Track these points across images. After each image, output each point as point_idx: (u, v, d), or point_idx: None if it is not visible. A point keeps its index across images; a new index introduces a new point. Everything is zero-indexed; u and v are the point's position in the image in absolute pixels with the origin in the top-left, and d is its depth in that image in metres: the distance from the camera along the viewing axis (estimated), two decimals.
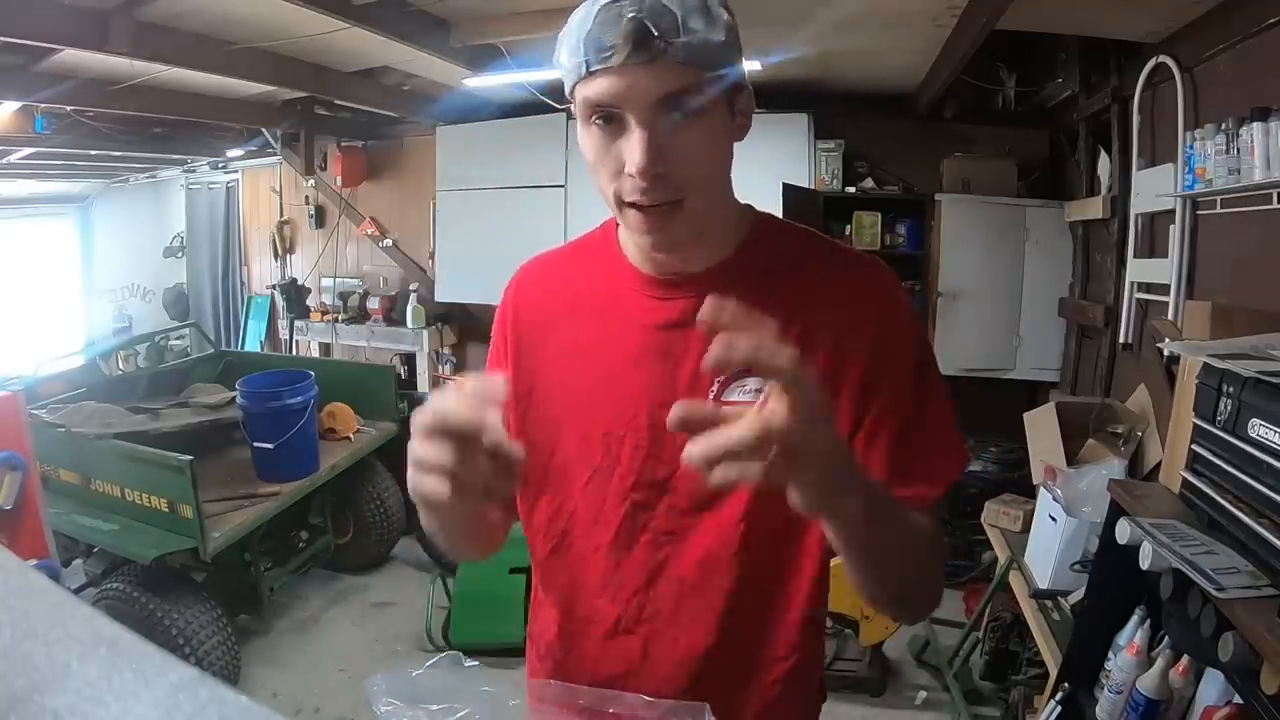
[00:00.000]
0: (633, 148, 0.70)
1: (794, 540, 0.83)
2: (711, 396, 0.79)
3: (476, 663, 0.73)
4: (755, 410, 0.57)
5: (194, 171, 6.26)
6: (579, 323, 0.86)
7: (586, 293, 0.87)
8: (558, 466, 0.86)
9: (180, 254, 6.50)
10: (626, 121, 0.71)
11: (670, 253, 0.80)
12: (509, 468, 0.62)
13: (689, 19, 0.68)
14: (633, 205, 0.74)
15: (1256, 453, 1.30)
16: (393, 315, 5.13)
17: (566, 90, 0.75)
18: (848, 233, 4.00)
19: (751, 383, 0.77)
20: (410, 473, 0.64)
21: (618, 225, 0.86)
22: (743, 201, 0.86)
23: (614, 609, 0.85)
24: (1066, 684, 1.73)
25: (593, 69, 0.69)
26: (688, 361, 0.80)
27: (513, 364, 0.89)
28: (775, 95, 3.90)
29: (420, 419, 0.61)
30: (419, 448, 0.62)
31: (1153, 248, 2.74)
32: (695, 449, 0.56)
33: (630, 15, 0.67)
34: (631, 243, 0.84)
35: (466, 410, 0.60)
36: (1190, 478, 1.53)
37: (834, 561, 0.81)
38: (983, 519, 2.81)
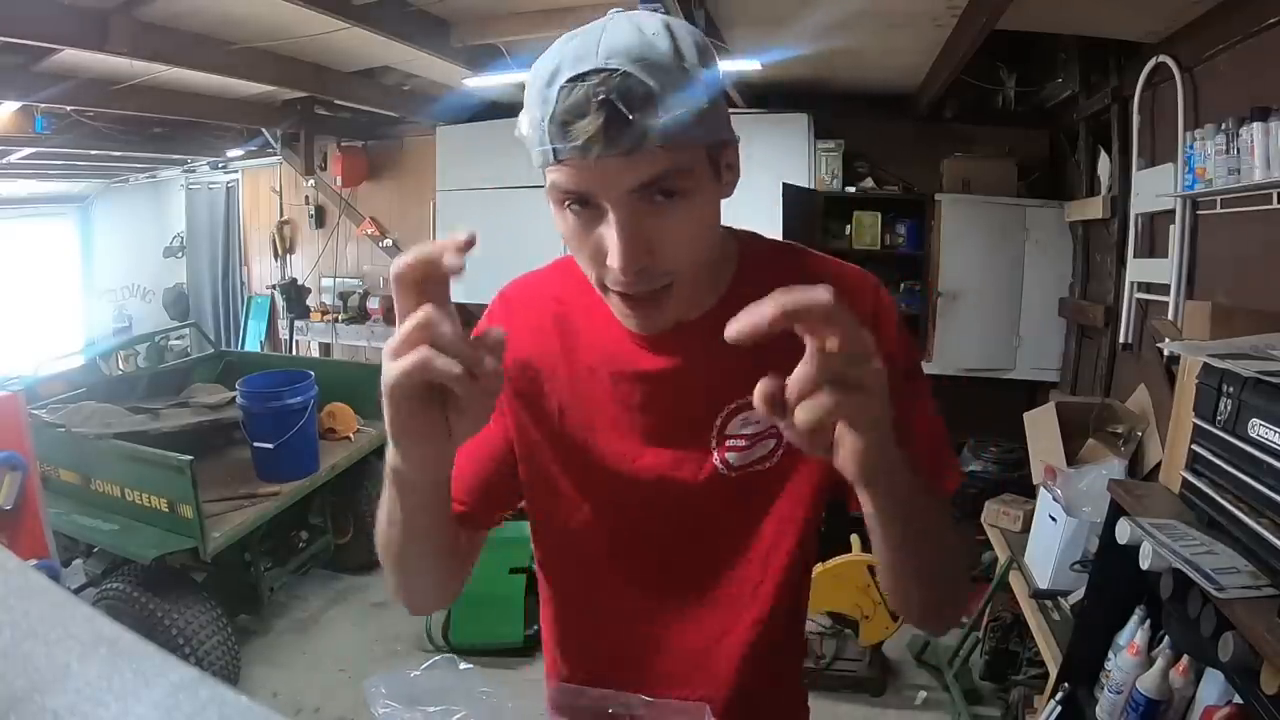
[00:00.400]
0: (612, 241, 0.64)
1: (774, 549, 0.84)
2: (714, 435, 0.79)
3: (471, 665, 0.72)
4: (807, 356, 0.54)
5: (194, 171, 6.26)
6: (573, 359, 0.82)
7: (580, 329, 0.83)
8: (558, 493, 0.86)
9: (180, 254, 6.50)
10: (603, 208, 0.64)
11: (657, 332, 0.75)
12: (492, 372, 0.53)
13: (666, 93, 0.60)
14: (618, 293, 0.69)
15: (1256, 453, 1.30)
16: (392, 315, 5.12)
17: (534, 164, 0.67)
18: (848, 233, 4.00)
19: (753, 415, 0.76)
20: (392, 360, 0.54)
21: None
22: (724, 226, 0.81)
23: (626, 608, 0.87)
24: (1066, 684, 1.73)
25: (560, 158, 0.62)
26: (686, 405, 0.79)
27: (506, 404, 0.85)
28: (775, 95, 3.91)
29: (401, 268, 0.54)
30: (404, 303, 0.55)
31: (1153, 248, 2.75)
32: (761, 390, 0.54)
33: (599, 98, 0.59)
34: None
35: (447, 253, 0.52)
36: (1190, 478, 1.53)
37: (819, 569, 0.83)
38: (983, 519, 2.81)
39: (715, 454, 0.80)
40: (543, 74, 0.63)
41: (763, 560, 0.84)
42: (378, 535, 0.75)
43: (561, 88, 0.60)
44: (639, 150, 0.60)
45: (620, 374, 0.81)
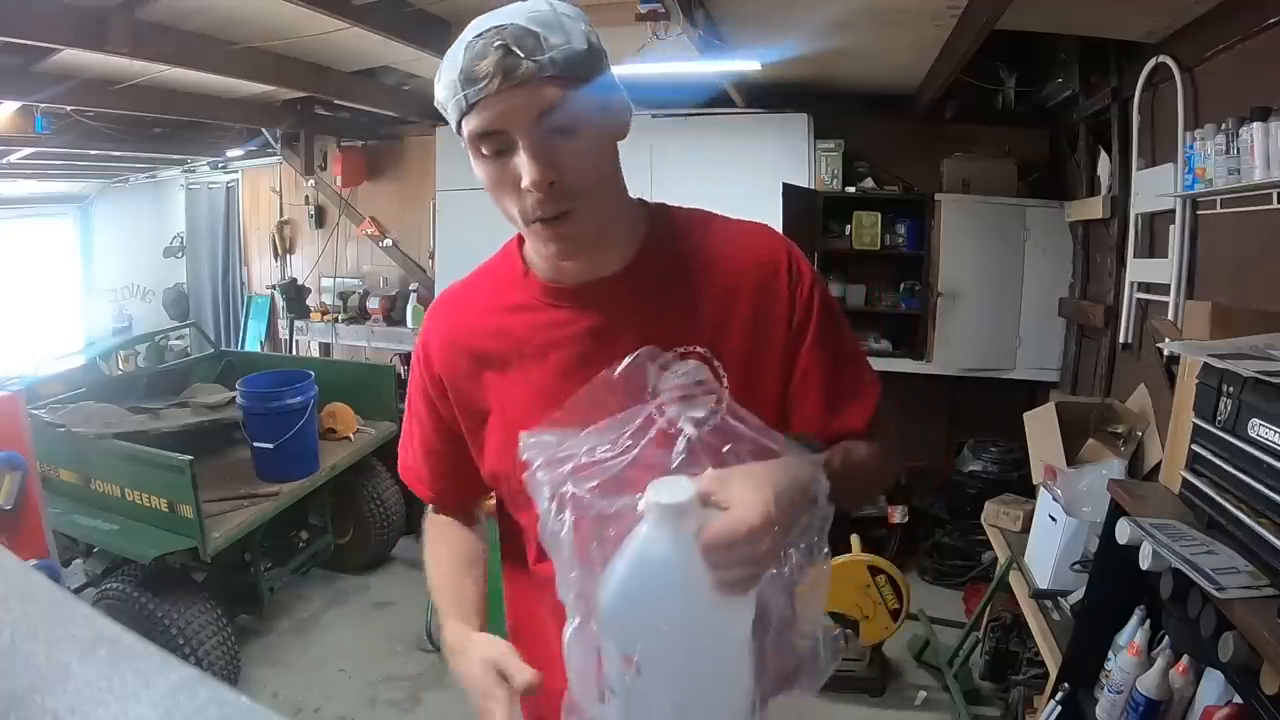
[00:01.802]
0: (525, 164, 0.75)
1: None
2: (650, 390, 0.79)
3: None
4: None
5: (194, 171, 6.25)
6: (504, 346, 0.89)
7: (505, 315, 0.90)
8: (514, 487, 0.87)
9: (180, 254, 6.50)
10: (514, 142, 0.75)
11: (576, 258, 0.84)
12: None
13: (549, 36, 0.73)
14: (534, 220, 0.79)
15: (1256, 453, 1.30)
16: (393, 315, 5.13)
17: (453, 127, 0.80)
18: (848, 233, 4.00)
19: (685, 365, 0.78)
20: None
21: (520, 246, 0.91)
22: (636, 197, 0.91)
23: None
24: (1066, 684, 1.73)
25: (472, 101, 0.74)
26: (616, 365, 0.81)
27: (455, 402, 0.93)
28: (775, 95, 3.91)
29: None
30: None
31: (1153, 248, 2.75)
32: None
33: (496, 44, 0.72)
34: (539, 257, 0.87)
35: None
36: (1190, 478, 1.53)
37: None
38: (983, 519, 2.81)
39: (654, 409, 0.80)
40: (454, 48, 0.77)
41: None
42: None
43: (467, 46, 0.75)
44: (532, 82, 0.73)
45: (549, 342, 0.87)
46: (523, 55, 0.72)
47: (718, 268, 0.87)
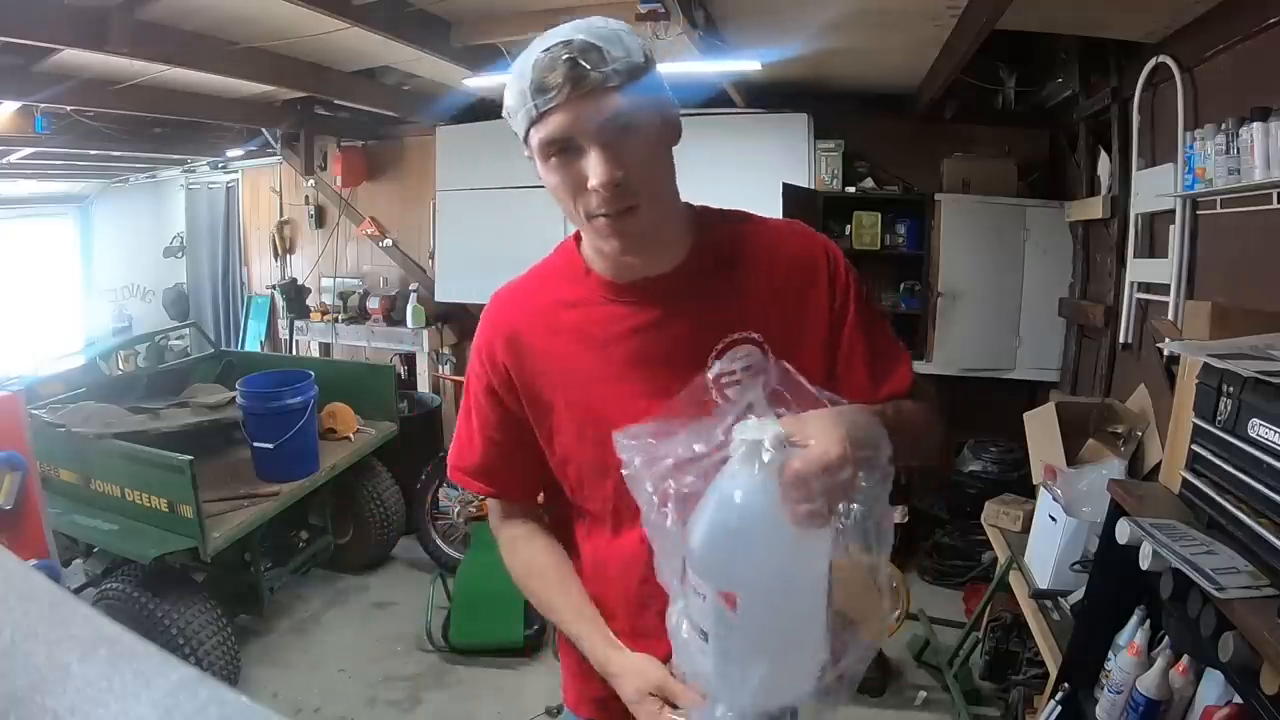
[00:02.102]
0: (593, 165, 0.82)
1: None
2: (710, 374, 0.86)
3: None
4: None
5: (194, 171, 6.25)
6: (565, 341, 0.96)
7: (565, 312, 0.97)
8: (582, 474, 0.98)
9: (180, 254, 6.50)
10: (581, 147, 0.82)
11: (636, 254, 0.90)
12: None
13: (611, 49, 0.80)
14: (600, 216, 0.85)
15: (1256, 453, 1.30)
16: (393, 315, 5.13)
17: (520, 136, 0.86)
18: (848, 233, 4.00)
19: (741, 351, 0.86)
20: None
21: (578, 245, 0.99)
22: (688, 201, 0.98)
23: (634, 574, 0.95)
24: (1066, 684, 1.73)
25: (542, 110, 0.81)
26: (678, 352, 0.91)
27: (521, 393, 0.98)
28: (775, 95, 3.91)
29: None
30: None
31: (1153, 248, 2.75)
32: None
33: (564, 57, 0.79)
34: (599, 255, 0.94)
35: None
36: (1190, 478, 1.53)
37: None
38: (983, 519, 2.81)
39: (715, 394, 0.87)
40: (522, 61, 0.83)
41: None
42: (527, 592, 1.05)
43: (536, 60, 0.81)
44: (598, 90, 0.80)
45: (610, 335, 0.94)
46: (589, 67, 0.79)
47: (762, 263, 0.96)
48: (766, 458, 0.66)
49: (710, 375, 0.86)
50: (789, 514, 0.67)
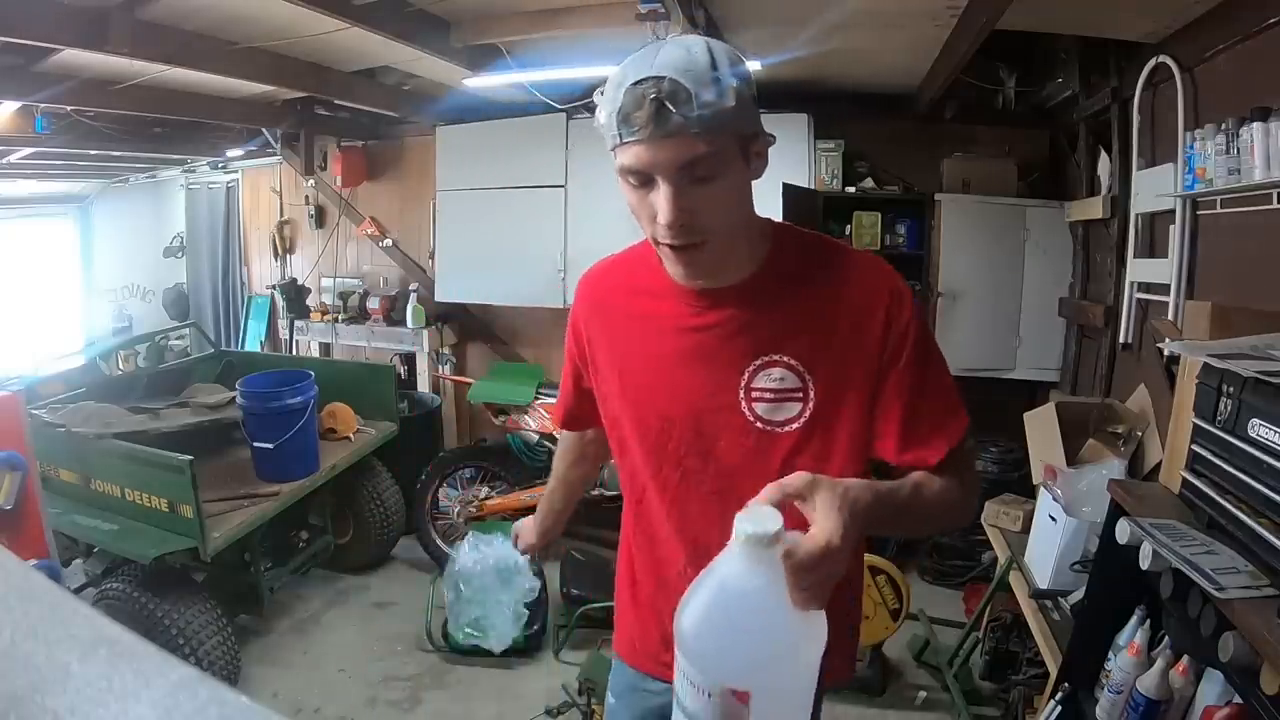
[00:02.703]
0: (661, 204, 0.85)
1: None
2: (742, 384, 0.98)
3: None
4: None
5: (194, 171, 6.25)
6: (636, 321, 1.05)
7: (640, 299, 1.05)
8: (629, 439, 1.09)
9: (180, 254, 6.49)
10: (656, 181, 0.86)
11: (695, 281, 0.97)
12: None
13: (701, 94, 0.81)
14: (666, 244, 0.90)
15: (1256, 453, 1.30)
16: (393, 315, 5.12)
17: (607, 148, 0.89)
18: (847, 233, 4.00)
19: (776, 372, 0.97)
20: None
21: None
22: (764, 217, 1.02)
23: (681, 553, 1.06)
24: (1066, 684, 1.73)
25: (625, 141, 0.84)
26: (721, 357, 0.99)
27: (591, 353, 1.12)
28: (775, 95, 3.90)
29: None
30: None
31: (1153, 248, 2.75)
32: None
33: (652, 97, 0.81)
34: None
35: None
36: (1190, 478, 1.53)
37: None
38: (983, 519, 2.81)
39: (744, 404, 0.99)
40: (615, 80, 0.86)
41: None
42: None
43: (626, 90, 0.83)
44: (679, 135, 0.82)
45: (671, 329, 1.02)
46: (674, 110, 0.80)
47: (826, 290, 0.98)
48: (770, 551, 0.65)
49: (741, 385, 0.94)
50: (792, 600, 0.67)
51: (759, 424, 0.98)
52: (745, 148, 0.89)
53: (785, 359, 0.96)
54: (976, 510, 1.03)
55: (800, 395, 0.97)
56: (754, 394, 0.98)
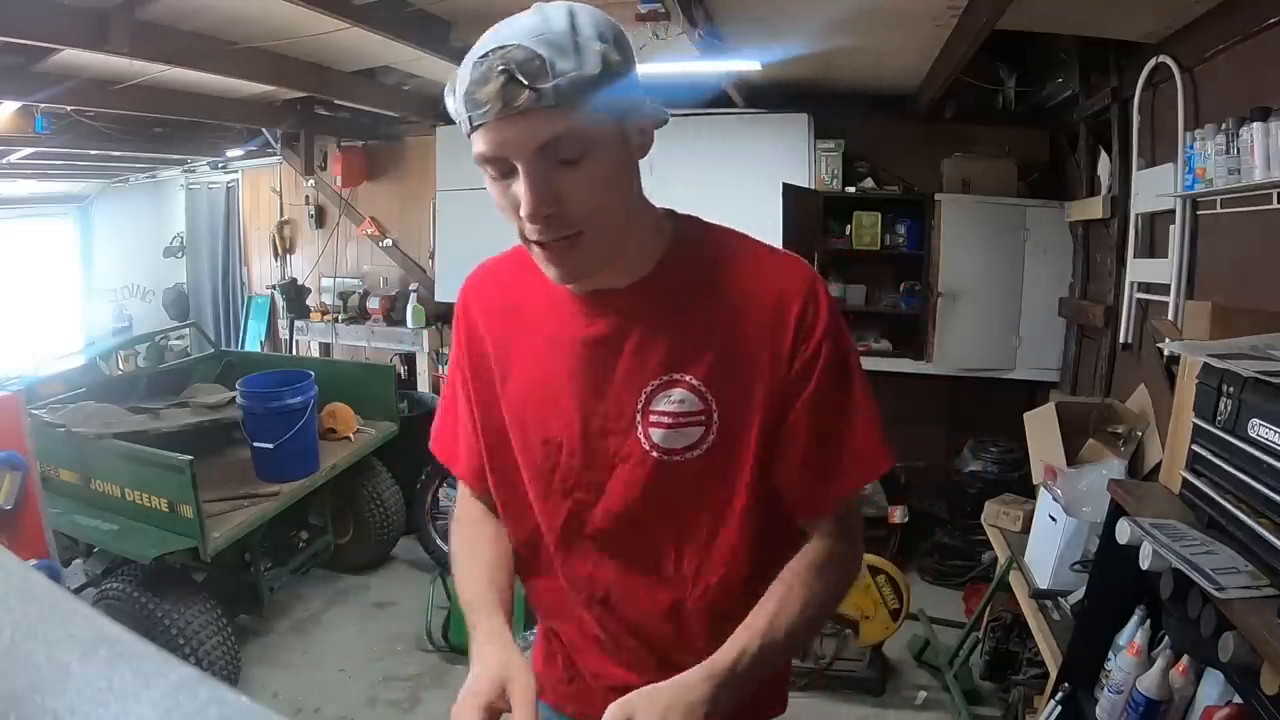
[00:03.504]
0: (522, 193, 0.73)
1: (714, 531, 0.89)
2: (639, 407, 0.85)
3: None
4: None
5: (194, 171, 6.25)
6: (518, 331, 0.91)
7: (527, 304, 0.90)
8: (509, 465, 0.93)
9: (180, 254, 6.50)
10: (515, 167, 0.73)
11: (575, 282, 0.83)
12: None
13: (556, 62, 0.69)
14: (535, 242, 0.77)
15: (1256, 453, 1.30)
16: (393, 315, 5.13)
17: (465, 135, 0.77)
18: (848, 233, 4.00)
19: (676, 393, 0.83)
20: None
21: None
22: (664, 208, 0.89)
23: (578, 586, 0.93)
24: (1066, 684, 1.73)
25: (475, 124, 0.72)
26: (615, 374, 0.85)
27: (470, 369, 0.95)
28: (775, 95, 3.90)
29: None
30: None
31: (1153, 248, 2.74)
32: None
33: (500, 69, 0.69)
34: None
35: None
36: (1190, 478, 1.53)
37: None
38: (983, 519, 2.81)
39: (640, 429, 0.85)
40: (466, 59, 0.73)
41: (703, 543, 0.89)
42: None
43: (473, 65, 0.71)
44: (534, 111, 0.69)
45: (556, 338, 0.87)
46: (525, 83, 0.68)
47: (733, 294, 0.84)
48: None
49: (639, 409, 0.84)
50: None
51: (655, 453, 0.84)
52: (622, 123, 0.75)
53: (688, 379, 0.82)
54: (857, 570, 0.93)
55: (702, 419, 0.83)
56: (651, 418, 0.84)
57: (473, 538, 0.98)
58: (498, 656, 0.81)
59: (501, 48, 0.70)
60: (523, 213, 0.74)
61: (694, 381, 0.83)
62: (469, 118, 0.72)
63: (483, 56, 0.71)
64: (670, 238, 0.87)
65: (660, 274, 0.85)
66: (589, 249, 0.78)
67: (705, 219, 0.90)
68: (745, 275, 0.85)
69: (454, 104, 0.74)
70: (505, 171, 0.74)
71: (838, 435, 0.84)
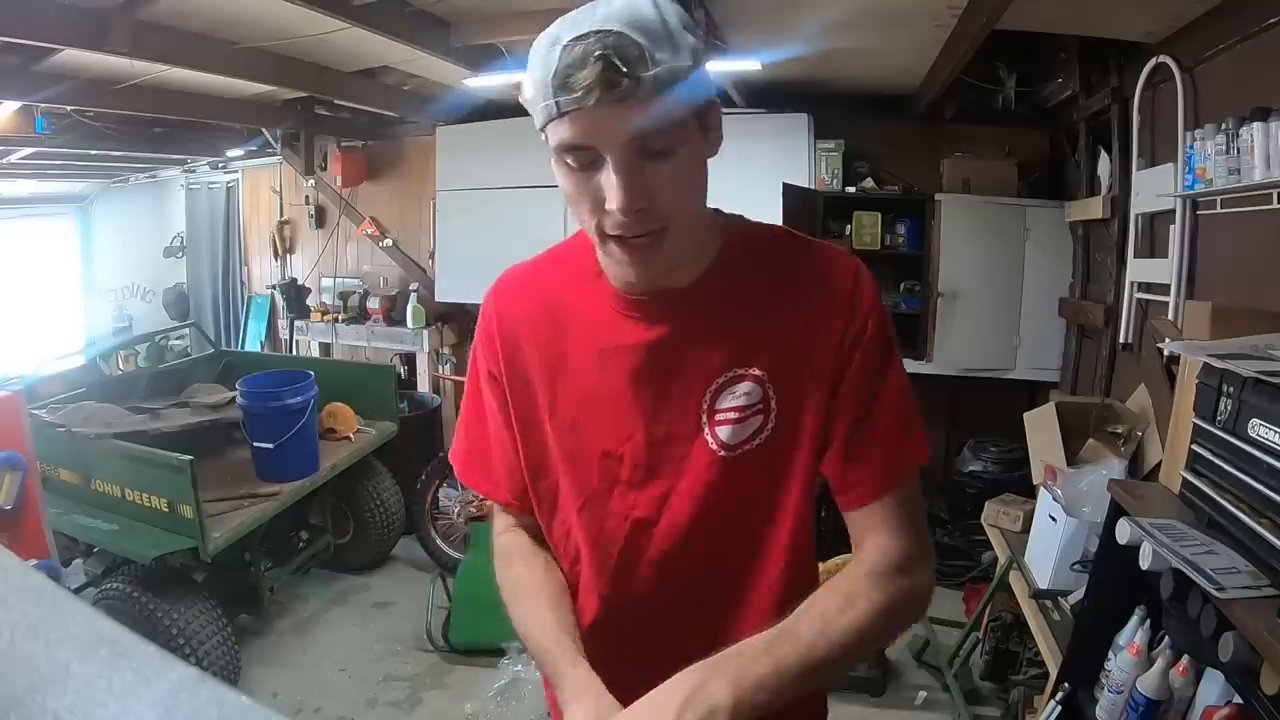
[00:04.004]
0: (613, 187, 0.70)
1: (774, 520, 0.86)
2: (705, 407, 0.83)
3: None
4: None
5: (194, 171, 6.25)
6: (564, 342, 0.86)
7: (570, 311, 0.87)
8: (552, 495, 0.89)
9: (180, 254, 6.50)
10: (603, 159, 0.71)
11: (653, 281, 0.81)
12: None
13: (656, 50, 0.67)
14: (616, 238, 0.75)
15: (1256, 453, 1.30)
16: (393, 315, 5.13)
17: (538, 126, 0.74)
18: (848, 233, 3.99)
19: (742, 387, 0.82)
20: None
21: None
22: (716, 207, 0.87)
23: (629, 612, 0.88)
24: (1066, 684, 1.73)
25: (564, 110, 0.68)
26: (678, 376, 0.83)
27: (507, 382, 0.90)
28: (775, 95, 3.90)
29: None
30: None
31: (1153, 248, 2.74)
32: None
33: (597, 54, 0.66)
34: (612, 274, 0.84)
35: None
36: (1190, 478, 1.53)
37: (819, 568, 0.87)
38: (983, 519, 2.81)
39: (707, 429, 0.83)
40: (545, 41, 0.70)
41: (762, 539, 0.86)
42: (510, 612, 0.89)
43: (564, 48, 0.67)
44: (632, 99, 0.67)
45: (609, 348, 0.84)
46: (625, 71, 0.66)
47: (783, 288, 0.84)
48: None
49: (705, 408, 0.82)
50: None
51: (721, 451, 0.83)
52: (703, 117, 0.75)
53: (752, 370, 0.81)
54: (930, 586, 0.86)
55: (762, 408, 0.82)
56: (718, 416, 0.82)
57: (526, 576, 0.90)
58: (594, 712, 0.74)
59: (599, 32, 0.66)
60: (612, 206, 0.71)
61: (758, 373, 0.82)
62: (557, 103, 0.68)
63: (577, 39, 0.67)
64: (722, 236, 0.86)
65: (716, 271, 0.84)
66: (671, 246, 0.76)
67: (746, 218, 0.90)
68: (794, 265, 0.85)
69: (533, 89, 0.71)
70: (587, 162, 0.72)
71: (879, 416, 0.82)
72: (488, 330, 0.92)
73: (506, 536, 0.95)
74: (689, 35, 0.71)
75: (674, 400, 0.83)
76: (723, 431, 0.82)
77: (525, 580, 0.90)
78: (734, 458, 0.83)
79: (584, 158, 0.71)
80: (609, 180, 0.71)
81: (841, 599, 0.77)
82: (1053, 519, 2.24)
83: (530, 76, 0.71)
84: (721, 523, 0.85)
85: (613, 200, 0.71)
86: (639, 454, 0.84)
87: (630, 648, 0.86)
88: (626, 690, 0.84)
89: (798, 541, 0.86)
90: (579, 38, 0.67)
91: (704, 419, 0.83)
